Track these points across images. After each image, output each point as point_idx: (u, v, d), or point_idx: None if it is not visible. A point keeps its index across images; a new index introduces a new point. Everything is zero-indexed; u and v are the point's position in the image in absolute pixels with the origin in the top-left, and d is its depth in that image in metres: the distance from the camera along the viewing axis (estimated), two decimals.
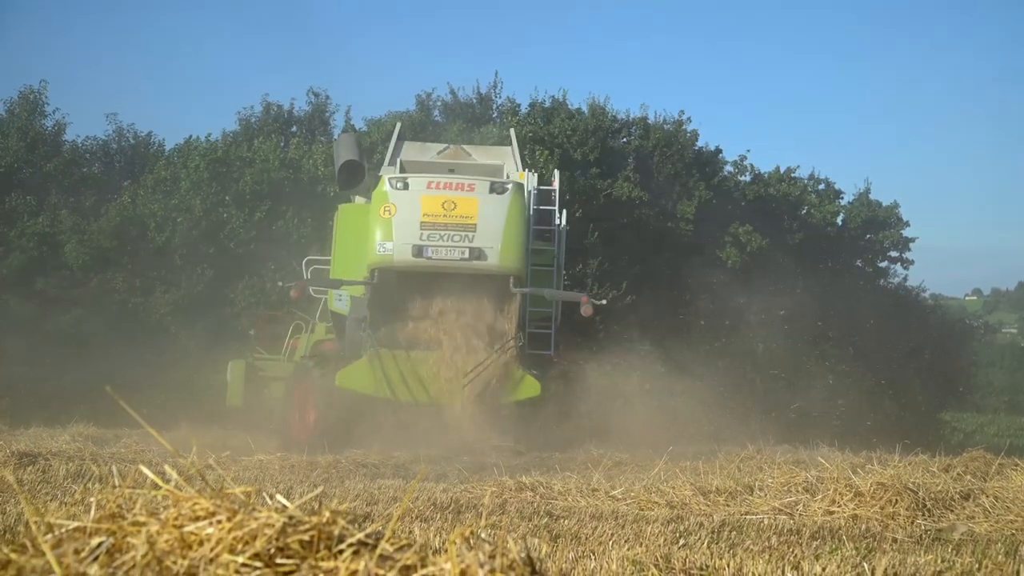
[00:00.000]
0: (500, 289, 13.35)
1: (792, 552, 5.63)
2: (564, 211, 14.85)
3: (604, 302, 13.87)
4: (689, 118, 28.65)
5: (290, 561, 2.50)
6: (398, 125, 16.77)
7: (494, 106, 29.18)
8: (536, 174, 15.33)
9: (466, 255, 12.90)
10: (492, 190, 13.13)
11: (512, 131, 16.75)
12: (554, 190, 14.97)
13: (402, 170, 14.48)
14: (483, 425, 13.28)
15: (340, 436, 12.84)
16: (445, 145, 16.24)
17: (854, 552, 5.66)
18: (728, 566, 4.90)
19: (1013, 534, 6.73)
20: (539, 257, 14.34)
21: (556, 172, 15.89)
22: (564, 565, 4.87)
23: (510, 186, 13.31)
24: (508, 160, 15.61)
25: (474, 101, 28.99)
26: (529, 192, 14.44)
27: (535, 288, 13.58)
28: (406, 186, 13.20)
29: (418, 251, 12.94)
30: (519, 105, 28.93)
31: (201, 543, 2.53)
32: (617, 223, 25.74)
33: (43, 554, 2.47)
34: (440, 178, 13.44)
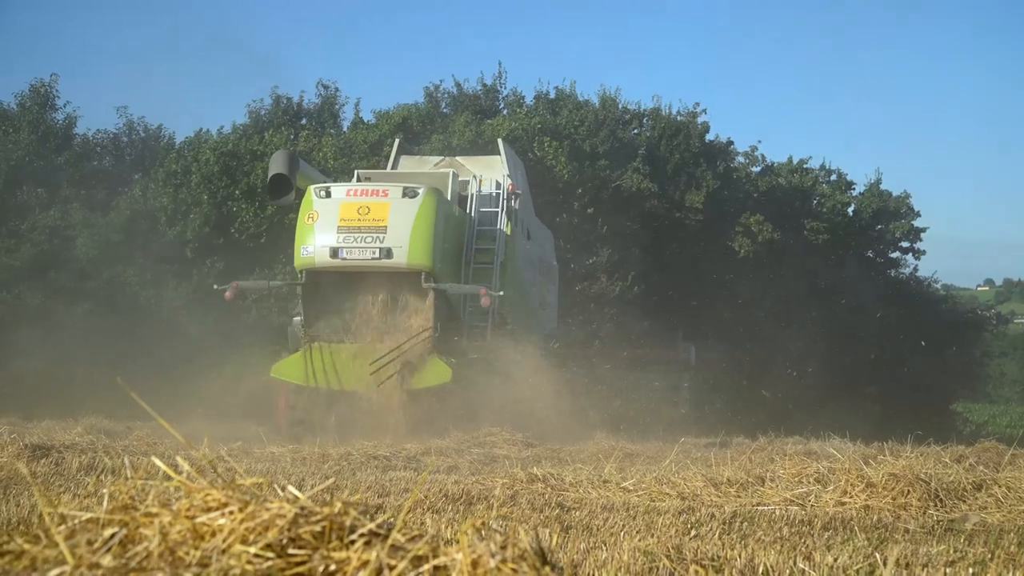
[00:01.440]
0: (415, 285, 14.40)
1: (804, 543, 5.63)
2: (503, 213, 15.94)
3: (501, 293, 14.64)
4: (704, 110, 28.63)
5: (302, 552, 2.50)
6: (396, 141, 18.16)
7: (500, 97, 29.14)
8: (480, 179, 16.36)
9: (377, 255, 14.01)
10: (404, 195, 14.22)
11: (500, 141, 17.90)
12: (496, 193, 16.09)
13: (358, 181, 15.89)
14: (389, 409, 14.06)
15: (304, 424, 13.98)
16: (440, 157, 17.63)
17: (866, 543, 5.65)
18: (740, 557, 4.89)
19: None
20: (484, 256, 15.50)
21: (507, 177, 16.76)
22: (575, 556, 4.88)
23: (421, 190, 14.36)
24: (498, 167, 16.85)
25: (479, 93, 28.95)
26: (472, 195, 15.79)
27: (440, 284, 14.52)
28: (328, 194, 14.46)
29: (334, 252, 14.11)
30: (523, 96, 28.92)
31: (213, 534, 2.54)
32: (626, 214, 25.70)
33: (56, 545, 2.48)
34: (359, 186, 14.81)
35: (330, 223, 14.19)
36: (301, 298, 14.81)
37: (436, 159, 17.79)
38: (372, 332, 14.48)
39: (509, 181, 16.58)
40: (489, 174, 16.93)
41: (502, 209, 15.78)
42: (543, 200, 20.92)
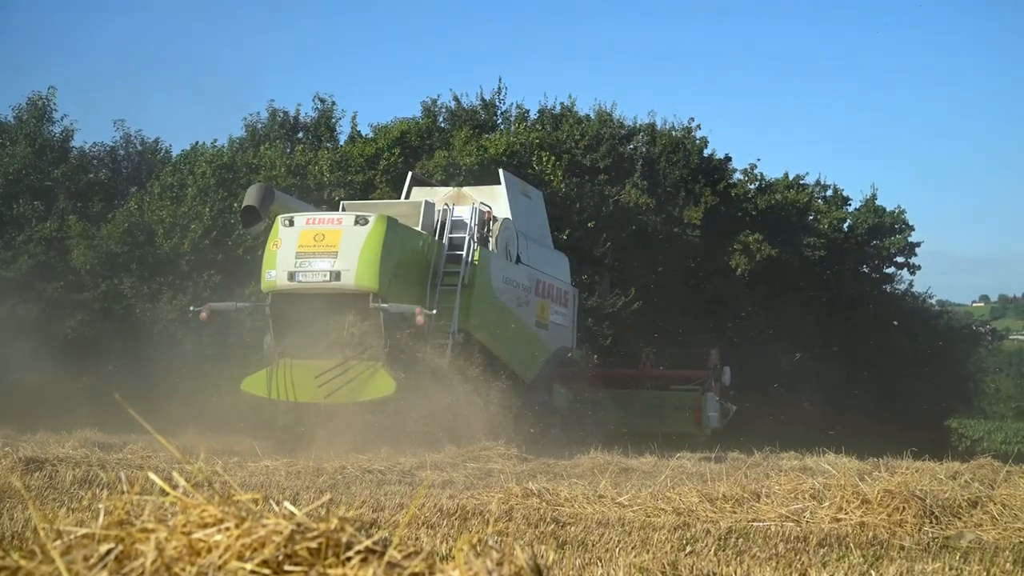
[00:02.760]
0: (365, 305, 15.40)
1: (799, 559, 5.62)
2: (469, 238, 16.91)
3: (434, 312, 15.49)
4: (699, 125, 28.64)
5: (298, 568, 2.50)
6: (410, 174, 19.38)
7: (498, 112, 29.15)
8: (452, 207, 17.42)
9: (327, 277, 15.21)
10: (356, 222, 15.39)
11: (502, 171, 19.10)
12: (463, 220, 17.08)
13: (346, 210, 17.21)
14: (334, 418, 15.06)
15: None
16: (449, 189, 18.89)
17: (861, 560, 5.65)
18: (735, 573, 4.89)
19: (1021, 542, 6.71)
20: (452, 279, 16.50)
21: (483, 204, 17.82)
22: (571, 572, 4.87)
23: (372, 218, 15.48)
24: (500, 197, 18.26)
25: (478, 108, 28.97)
26: (447, 222, 16.90)
27: (382, 304, 15.40)
28: (292, 223, 15.60)
29: (291, 276, 15.33)
30: (528, 111, 28.94)
31: (210, 550, 2.53)
32: (626, 230, 25.71)
33: (52, 561, 2.47)
34: (318, 215, 16.10)
35: (290, 249, 15.40)
36: (270, 318, 15.94)
37: (445, 190, 18.98)
38: (328, 349, 15.42)
39: (487, 209, 17.56)
40: (492, 203, 18.11)
41: (470, 235, 16.76)
42: None
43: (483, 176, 24.65)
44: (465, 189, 19.01)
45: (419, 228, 16.68)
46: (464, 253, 16.59)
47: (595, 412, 19.93)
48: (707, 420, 20.43)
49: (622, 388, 21.33)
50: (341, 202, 18.37)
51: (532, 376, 18.56)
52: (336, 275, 15.18)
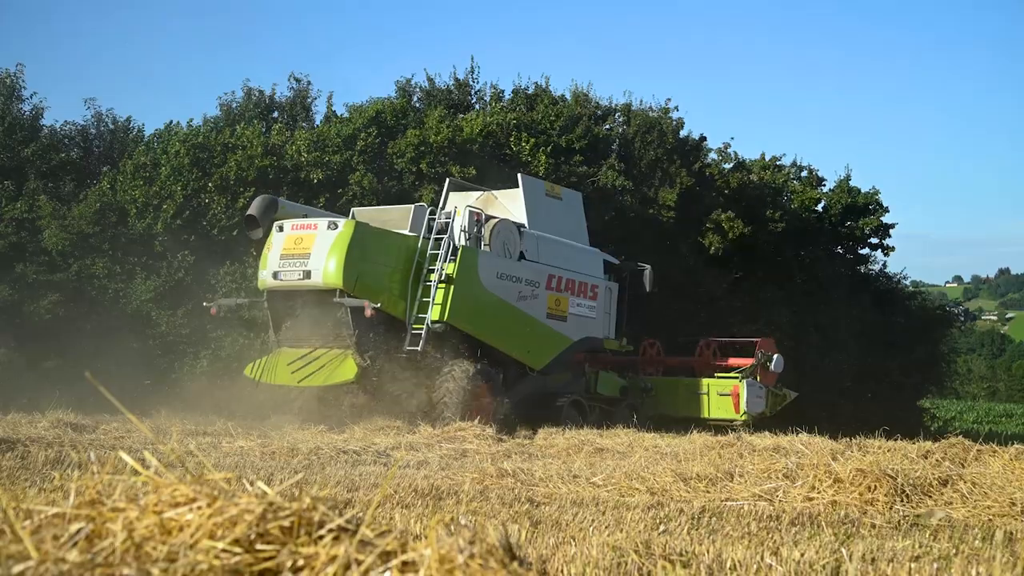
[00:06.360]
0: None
1: (771, 538, 5.67)
2: (453, 238, 17.93)
3: (379, 305, 16.66)
4: (676, 107, 28.64)
5: (270, 547, 2.50)
6: (448, 180, 20.59)
7: (472, 92, 29.03)
8: (438, 210, 18.57)
9: (301, 276, 16.94)
10: (328, 227, 17.07)
11: (520, 175, 20.23)
12: (447, 221, 18.22)
13: (355, 218, 18.58)
14: (302, 399, 16.82)
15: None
16: (480, 193, 20.28)
17: (832, 538, 5.70)
18: (707, 552, 4.92)
19: (990, 519, 6.80)
20: (432, 275, 17.76)
21: (468, 208, 18.69)
22: (544, 551, 4.89)
23: (342, 223, 17.23)
24: (518, 200, 19.57)
25: (452, 88, 28.84)
26: (436, 224, 18.16)
27: (341, 299, 16.79)
28: (281, 229, 17.43)
29: (275, 275, 17.18)
30: (502, 91, 28.83)
31: (181, 529, 2.53)
32: (602, 211, 25.70)
33: (21, 540, 2.46)
34: (300, 221, 17.58)
35: (277, 252, 17.19)
36: (268, 312, 17.71)
37: (478, 193, 20.25)
38: (317, 339, 17.02)
39: (477, 211, 18.59)
40: (513, 205, 19.57)
41: (449, 235, 17.92)
42: None
43: (459, 157, 24.58)
44: (495, 192, 20.34)
45: (407, 231, 18.07)
46: (440, 251, 17.63)
47: (641, 398, 20.91)
48: (748, 406, 20.78)
49: (673, 376, 22.07)
50: (352, 209, 19.98)
51: (542, 364, 19.34)
52: (308, 274, 16.85)
